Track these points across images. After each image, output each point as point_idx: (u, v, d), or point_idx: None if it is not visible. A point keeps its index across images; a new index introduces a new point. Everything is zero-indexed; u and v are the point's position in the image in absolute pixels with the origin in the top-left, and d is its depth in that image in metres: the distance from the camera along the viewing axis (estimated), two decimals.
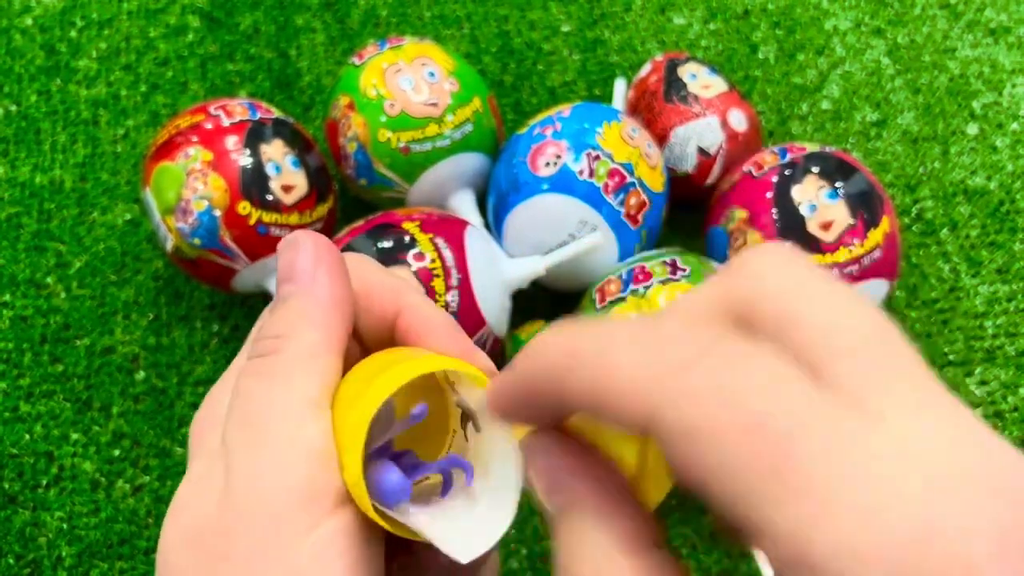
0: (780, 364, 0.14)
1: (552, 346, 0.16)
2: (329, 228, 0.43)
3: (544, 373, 0.16)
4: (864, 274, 0.39)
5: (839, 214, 0.39)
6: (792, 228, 0.39)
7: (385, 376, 0.18)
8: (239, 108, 0.42)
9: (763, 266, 0.16)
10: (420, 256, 0.37)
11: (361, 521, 0.18)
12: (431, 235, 0.38)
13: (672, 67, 0.47)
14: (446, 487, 0.19)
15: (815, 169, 0.40)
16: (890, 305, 0.47)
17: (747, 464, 0.13)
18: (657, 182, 0.42)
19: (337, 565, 0.17)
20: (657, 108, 0.46)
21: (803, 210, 0.39)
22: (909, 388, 0.14)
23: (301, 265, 0.20)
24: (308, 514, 0.17)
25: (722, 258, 0.42)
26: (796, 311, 0.15)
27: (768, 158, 0.42)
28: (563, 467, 0.18)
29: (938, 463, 0.13)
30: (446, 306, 0.37)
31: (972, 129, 0.52)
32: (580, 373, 0.16)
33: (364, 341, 0.20)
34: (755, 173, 0.41)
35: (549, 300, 0.45)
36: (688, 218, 0.47)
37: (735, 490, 0.14)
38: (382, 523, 0.18)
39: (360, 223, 0.40)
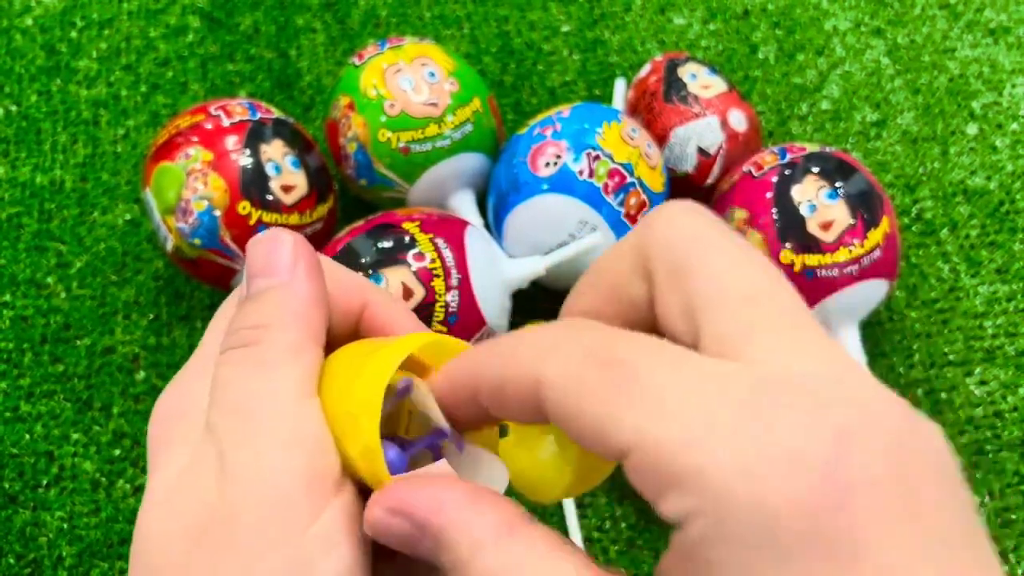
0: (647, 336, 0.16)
1: (475, 350, 0.18)
2: (329, 228, 0.43)
3: (464, 371, 0.18)
4: (864, 274, 0.39)
5: (839, 214, 0.39)
6: (792, 228, 0.39)
7: (388, 349, 0.18)
8: (239, 108, 0.42)
9: (665, 220, 0.17)
10: (420, 256, 0.37)
11: (359, 503, 0.18)
12: (431, 235, 0.38)
13: (672, 67, 0.47)
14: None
15: (815, 169, 0.40)
16: (890, 305, 0.47)
17: (600, 393, 0.15)
18: (657, 182, 0.42)
19: (344, 546, 0.18)
20: (657, 108, 0.46)
21: (803, 210, 0.39)
22: (788, 340, 0.15)
23: (281, 260, 0.20)
24: (312, 498, 0.18)
25: None
26: (688, 262, 0.16)
27: (768, 158, 0.42)
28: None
29: (783, 378, 0.14)
30: (446, 306, 0.37)
31: (972, 129, 0.52)
32: (489, 367, 0.17)
33: (328, 335, 0.21)
34: (755, 173, 0.41)
35: (549, 300, 0.46)
36: None
37: (594, 422, 0.15)
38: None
39: (360, 223, 0.40)
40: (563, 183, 0.40)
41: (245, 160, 0.40)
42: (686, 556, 0.14)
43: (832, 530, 0.13)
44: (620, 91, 0.51)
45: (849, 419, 0.14)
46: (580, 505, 0.42)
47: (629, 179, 0.40)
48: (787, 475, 0.13)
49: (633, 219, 0.41)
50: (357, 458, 0.18)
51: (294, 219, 0.41)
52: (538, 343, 0.17)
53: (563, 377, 0.16)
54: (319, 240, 0.42)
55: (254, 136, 0.41)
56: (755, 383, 0.14)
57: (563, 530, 0.41)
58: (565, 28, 0.56)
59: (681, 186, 0.45)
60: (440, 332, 0.37)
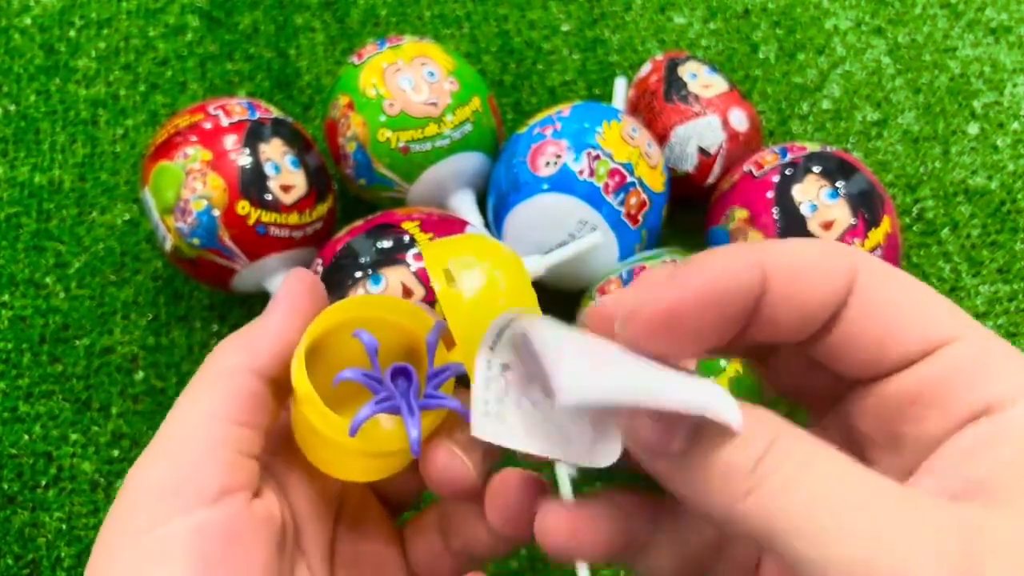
0: None
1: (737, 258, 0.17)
2: (328, 228, 0.43)
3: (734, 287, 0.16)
4: None
5: (840, 214, 0.39)
6: (793, 228, 0.39)
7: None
8: (238, 108, 0.42)
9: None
10: (420, 256, 0.37)
11: (234, 523, 0.19)
12: (431, 235, 0.38)
13: (672, 66, 0.46)
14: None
15: (816, 169, 0.40)
16: None
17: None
18: (657, 182, 0.42)
19: (176, 563, 0.18)
20: (657, 108, 0.45)
21: (804, 210, 0.39)
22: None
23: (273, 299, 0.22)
24: (155, 511, 0.18)
25: None
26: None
27: (769, 158, 0.42)
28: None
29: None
30: None
31: (973, 129, 0.52)
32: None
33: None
34: (755, 173, 0.41)
35: (549, 300, 0.45)
36: (688, 218, 0.47)
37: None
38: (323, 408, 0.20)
39: (360, 223, 0.40)
40: (563, 183, 0.40)
41: (244, 159, 0.40)
42: (987, 448, 0.14)
43: None
44: (620, 90, 0.51)
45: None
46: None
47: (629, 179, 0.40)
48: None
49: (633, 219, 0.41)
50: (299, 403, 0.20)
51: (293, 219, 0.41)
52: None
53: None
54: (318, 240, 0.42)
55: (253, 135, 0.41)
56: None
57: None
58: (565, 27, 0.56)
59: (681, 186, 0.45)
60: None
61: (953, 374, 0.15)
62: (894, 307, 0.16)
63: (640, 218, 0.41)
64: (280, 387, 0.21)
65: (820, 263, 0.16)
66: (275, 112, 0.43)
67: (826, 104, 0.53)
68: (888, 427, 0.17)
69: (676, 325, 0.16)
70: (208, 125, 0.41)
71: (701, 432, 0.15)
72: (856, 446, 0.18)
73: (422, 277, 0.37)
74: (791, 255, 0.16)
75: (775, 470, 0.14)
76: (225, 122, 0.41)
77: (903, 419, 0.16)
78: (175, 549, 0.18)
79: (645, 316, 0.16)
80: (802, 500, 0.14)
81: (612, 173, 0.40)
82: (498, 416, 0.19)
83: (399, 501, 0.26)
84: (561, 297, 0.44)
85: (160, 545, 0.18)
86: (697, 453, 0.15)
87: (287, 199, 0.40)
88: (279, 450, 0.23)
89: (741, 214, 0.41)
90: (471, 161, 0.43)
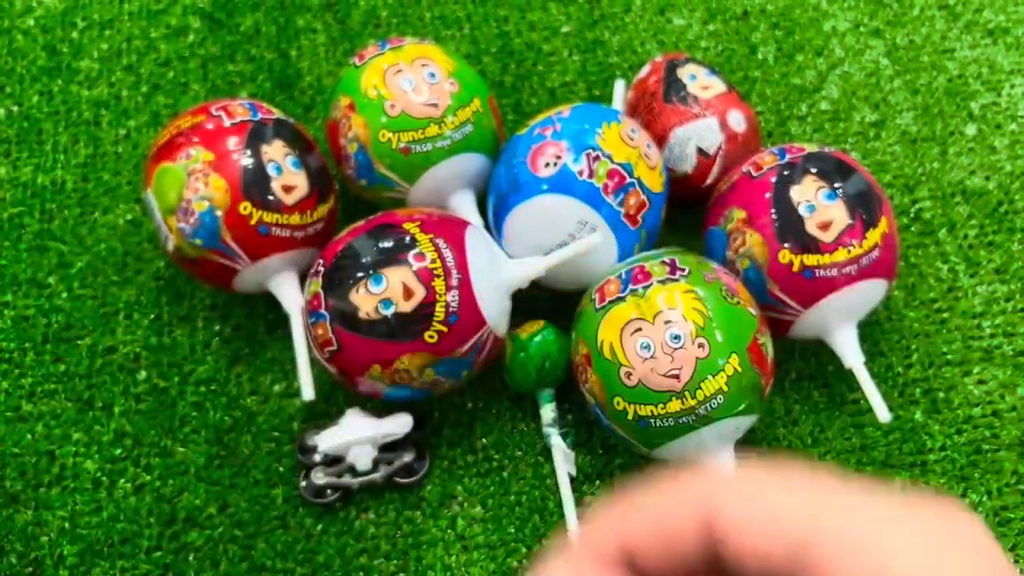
0: None
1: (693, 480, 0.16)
2: (329, 228, 0.44)
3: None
4: (862, 274, 0.39)
5: (838, 214, 0.39)
6: (790, 228, 0.39)
7: None
8: (240, 109, 0.42)
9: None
10: (420, 256, 0.37)
11: None
12: (431, 235, 0.38)
13: (671, 68, 0.47)
14: None
15: (814, 169, 0.40)
16: (888, 305, 0.47)
17: None
18: (656, 182, 0.42)
19: None
20: (656, 109, 0.46)
21: (802, 210, 0.39)
22: None
23: None
24: None
25: (721, 258, 0.42)
26: None
27: (767, 159, 0.42)
28: None
29: None
30: (446, 306, 0.37)
31: (970, 129, 0.52)
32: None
33: None
34: (754, 173, 0.41)
35: (549, 300, 0.46)
36: (687, 218, 0.47)
37: None
38: None
39: (361, 223, 0.40)
40: (563, 183, 0.40)
41: (246, 160, 0.40)
42: None
43: None
44: (620, 92, 0.51)
45: None
46: (580, 505, 0.42)
47: (629, 179, 0.41)
48: None
49: (632, 219, 0.41)
50: None
51: (295, 219, 0.41)
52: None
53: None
54: (319, 240, 0.43)
55: (255, 136, 0.41)
56: None
57: (563, 529, 0.41)
58: (565, 29, 0.56)
59: (680, 186, 0.45)
60: (441, 332, 0.37)
61: None
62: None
63: (639, 219, 0.41)
64: None
65: (769, 529, 0.15)
66: (277, 113, 0.43)
67: (824, 105, 0.53)
68: None
69: (624, 559, 0.16)
70: (210, 126, 0.41)
71: None
72: None
73: (422, 277, 0.37)
74: (742, 516, 0.16)
75: None
76: (227, 123, 0.41)
77: None
78: None
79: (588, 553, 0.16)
80: None
81: (611, 174, 0.40)
82: None
83: None
84: (561, 297, 0.45)
85: None
86: None
87: (289, 200, 0.41)
88: None
89: (739, 215, 0.41)
90: (471, 162, 0.44)
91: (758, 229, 0.40)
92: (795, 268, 0.39)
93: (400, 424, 0.42)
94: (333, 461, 0.42)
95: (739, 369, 0.36)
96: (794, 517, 0.15)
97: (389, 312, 0.37)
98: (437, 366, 0.38)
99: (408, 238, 0.38)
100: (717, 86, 0.46)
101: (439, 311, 0.37)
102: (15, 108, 0.53)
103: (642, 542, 0.16)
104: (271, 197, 0.40)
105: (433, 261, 0.37)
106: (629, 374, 0.36)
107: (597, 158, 0.40)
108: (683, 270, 0.38)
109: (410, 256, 0.37)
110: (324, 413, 0.44)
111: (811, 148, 0.42)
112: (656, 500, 0.16)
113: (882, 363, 0.46)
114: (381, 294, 0.37)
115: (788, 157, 0.41)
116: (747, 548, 0.15)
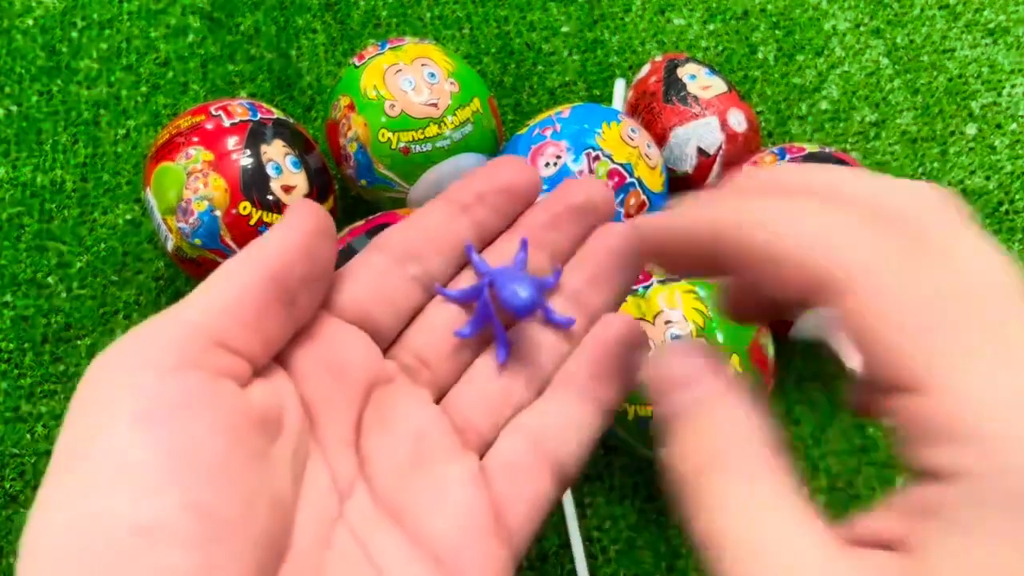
0: None
1: (723, 205, 0.18)
2: None
3: (712, 225, 0.18)
4: None
5: None
6: None
7: None
8: (240, 109, 0.42)
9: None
10: None
11: (184, 395, 0.18)
12: None
13: (671, 68, 0.47)
14: None
15: None
16: None
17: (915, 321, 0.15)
18: (656, 182, 0.42)
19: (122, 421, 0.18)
20: (656, 109, 0.46)
21: None
22: None
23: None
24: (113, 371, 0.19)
25: None
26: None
27: (767, 158, 0.42)
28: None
29: None
30: None
31: (971, 129, 0.52)
32: (756, 232, 0.17)
33: None
34: None
35: None
36: None
37: (893, 344, 0.16)
38: None
39: (360, 223, 0.40)
40: None
41: (246, 160, 0.40)
42: (929, 512, 0.14)
43: None
44: (620, 91, 0.51)
45: None
46: (580, 505, 0.42)
47: (629, 179, 0.40)
48: None
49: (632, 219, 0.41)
50: None
51: None
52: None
53: (876, 297, 0.16)
54: None
55: (255, 136, 0.41)
56: None
57: (563, 530, 0.41)
58: (565, 29, 0.56)
59: (681, 186, 0.45)
60: None
61: (910, 425, 0.15)
62: (877, 329, 0.16)
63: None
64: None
65: (813, 264, 0.17)
66: (276, 113, 0.43)
67: (824, 105, 0.53)
68: None
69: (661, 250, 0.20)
70: (210, 126, 0.41)
71: None
72: None
73: None
74: (793, 242, 0.17)
75: None
76: (227, 123, 0.41)
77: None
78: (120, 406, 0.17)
79: (642, 235, 0.20)
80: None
81: (611, 174, 0.40)
82: None
83: None
84: None
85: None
86: None
87: (289, 200, 0.41)
88: (296, 342, 0.22)
89: None
90: (471, 162, 0.44)
91: None
92: None
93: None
94: None
95: (740, 369, 0.36)
96: (829, 276, 0.17)
97: None
98: None
99: None
100: (717, 86, 0.46)
101: None
102: (14, 108, 0.53)
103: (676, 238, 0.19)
104: (271, 197, 0.40)
105: None
106: None
107: (597, 158, 0.40)
108: None
109: None
110: None
111: (811, 148, 0.42)
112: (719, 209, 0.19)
113: None
114: None
115: (788, 157, 0.41)
116: (774, 277, 0.17)
